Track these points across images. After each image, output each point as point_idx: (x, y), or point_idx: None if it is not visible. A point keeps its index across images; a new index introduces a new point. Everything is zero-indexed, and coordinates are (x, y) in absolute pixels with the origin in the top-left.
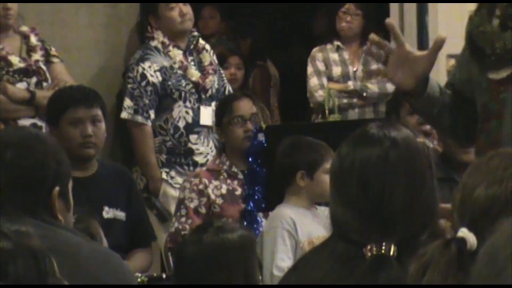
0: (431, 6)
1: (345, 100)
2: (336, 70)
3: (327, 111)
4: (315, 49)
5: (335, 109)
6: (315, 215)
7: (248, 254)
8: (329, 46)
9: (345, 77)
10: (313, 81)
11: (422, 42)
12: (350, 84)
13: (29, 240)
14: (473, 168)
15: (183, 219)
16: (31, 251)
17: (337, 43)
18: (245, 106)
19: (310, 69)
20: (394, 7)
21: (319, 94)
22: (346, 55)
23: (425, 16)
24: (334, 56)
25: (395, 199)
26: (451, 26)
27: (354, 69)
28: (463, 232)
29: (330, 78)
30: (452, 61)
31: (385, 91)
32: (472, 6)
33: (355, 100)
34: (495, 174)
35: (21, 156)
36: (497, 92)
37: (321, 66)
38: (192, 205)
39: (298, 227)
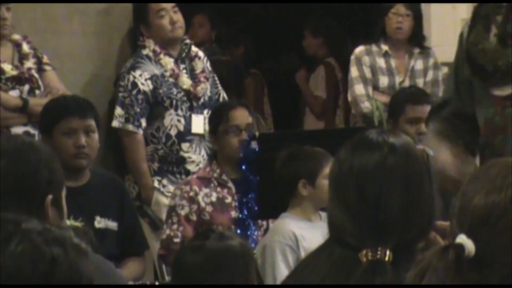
0: (424, 14)
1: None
2: (383, 80)
3: (376, 124)
4: (360, 50)
5: (384, 123)
6: (317, 227)
7: (248, 261)
8: (375, 48)
9: (391, 88)
10: (358, 89)
11: None
12: None
13: None
14: (473, 176)
15: (174, 226)
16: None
17: (385, 47)
18: (241, 116)
19: (355, 73)
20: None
21: (365, 106)
22: (393, 63)
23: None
24: (381, 62)
25: (392, 204)
26: (444, 34)
27: (401, 79)
28: (462, 239)
29: (375, 87)
30: (445, 69)
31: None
32: (465, 14)
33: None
34: (494, 182)
35: (14, 165)
36: (502, 107)
37: (367, 72)
38: (183, 212)
39: (300, 242)
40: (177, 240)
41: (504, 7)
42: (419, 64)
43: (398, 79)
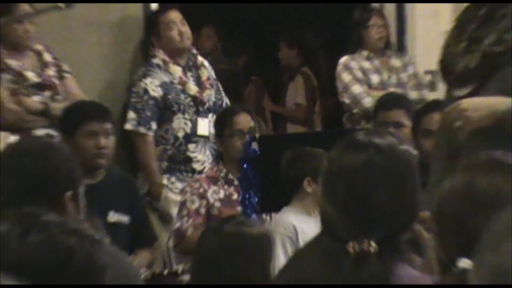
0: (410, 27)
1: None
2: (374, 78)
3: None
4: (345, 59)
5: None
6: (316, 222)
7: (265, 248)
8: (357, 55)
9: (381, 84)
10: (356, 89)
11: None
12: (393, 90)
13: None
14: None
15: (184, 219)
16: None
17: (365, 52)
18: (244, 121)
19: (347, 77)
20: None
21: (367, 101)
22: (377, 63)
23: (403, 35)
24: (366, 64)
25: (377, 200)
26: (427, 45)
27: (387, 76)
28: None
29: (369, 85)
30: (429, 77)
31: (422, 97)
32: (447, 27)
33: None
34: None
35: (37, 164)
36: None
37: (359, 73)
38: (193, 207)
39: (299, 234)
40: (187, 230)
41: (480, 17)
42: (397, 62)
43: (385, 76)
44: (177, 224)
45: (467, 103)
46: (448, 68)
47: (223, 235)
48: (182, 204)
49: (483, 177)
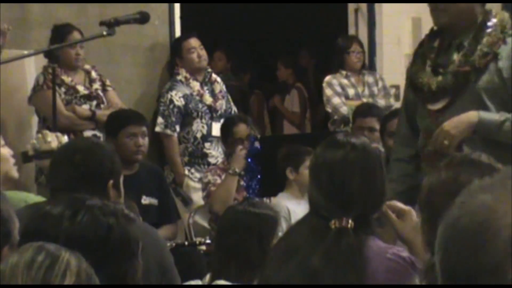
0: (378, 50)
1: None
2: (350, 92)
3: (351, 122)
4: (328, 77)
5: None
6: (304, 205)
7: (265, 226)
8: (338, 74)
9: (356, 95)
10: (335, 100)
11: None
12: (364, 101)
13: None
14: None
15: (211, 188)
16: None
17: (344, 72)
18: (242, 130)
19: (329, 92)
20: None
21: (344, 109)
22: (353, 80)
23: (374, 57)
24: (345, 81)
25: (353, 187)
26: (392, 64)
27: (361, 90)
28: None
29: (346, 97)
30: (394, 90)
31: (388, 105)
32: (407, 50)
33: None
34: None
35: (86, 159)
36: (436, 117)
37: (338, 88)
38: (216, 183)
39: (292, 214)
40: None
41: (436, 48)
42: (370, 78)
43: (360, 90)
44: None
45: (448, 125)
46: (421, 87)
47: (234, 212)
48: (207, 184)
49: (465, 173)
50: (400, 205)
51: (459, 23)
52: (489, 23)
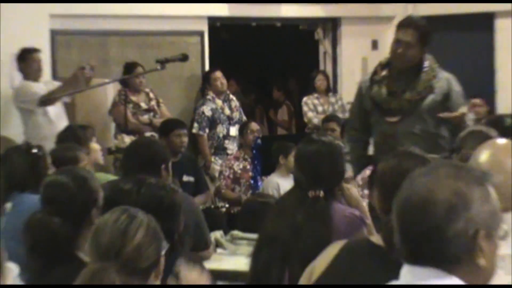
0: (339, 78)
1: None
2: (319, 108)
3: (320, 127)
4: (305, 98)
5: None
6: (289, 181)
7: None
8: (310, 96)
9: (323, 111)
10: (310, 114)
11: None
12: (330, 113)
13: None
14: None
15: (222, 180)
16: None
17: (316, 94)
18: (254, 127)
19: (306, 108)
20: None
21: (315, 120)
22: (321, 100)
23: (336, 84)
24: (316, 101)
25: (323, 169)
26: (350, 86)
27: (326, 107)
28: None
29: (317, 112)
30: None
31: (345, 116)
32: (360, 77)
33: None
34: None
35: (146, 150)
36: (393, 126)
37: (311, 106)
38: (225, 174)
39: (281, 187)
40: (222, 188)
41: (387, 76)
42: (333, 99)
43: (326, 107)
44: (219, 182)
45: None
46: (380, 105)
47: (248, 200)
48: (220, 173)
49: (405, 161)
50: (345, 184)
51: (408, 66)
52: (424, 64)
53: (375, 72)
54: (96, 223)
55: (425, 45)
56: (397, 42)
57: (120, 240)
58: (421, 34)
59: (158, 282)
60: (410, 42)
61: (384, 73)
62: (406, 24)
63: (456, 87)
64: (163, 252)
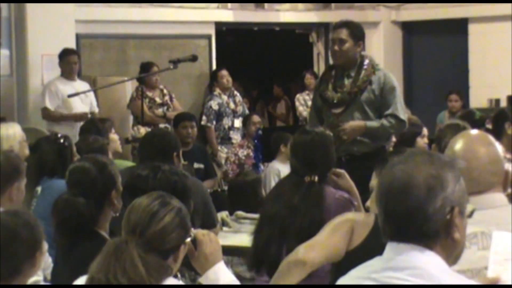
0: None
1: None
2: (310, 104)
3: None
4: (298, 95)
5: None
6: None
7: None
8: (303, 93)
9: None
10: (300, 109)
11: None
12: None
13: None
14: None
15: (228, 166)
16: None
17: (307, 91)
18: (256, 118)
19: (297, 103)
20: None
21: (305, 115)
22: (312, 96)
23: None
24: (306, 97)
25: (316, 156)
26: None
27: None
28: None
29: (307, 106)
30: None
31: None
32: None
33: None
34: None
35: (160, 141)
36: (337, 116)
37: (303, 101)
38: (231, 160)
39: (281, 173)
40: (229, 172)
41: (333, 75)
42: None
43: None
44: (225, 168)
45: (349, 126)
46: (327, 99)
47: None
48: (227, 159)
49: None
50: (338, 170)
51: (348, 62)
52: (365, 62)
53: (324, 73)
54: (133, 203)
55: (358, 39)
56: (332, 42)
57: (148, 220)
58: (351, 29)
59: (176, 267)
60: (342, 38)
61: (332, 73)
62: (337, 25)
63: (391, 84)
64: (187, 240)
